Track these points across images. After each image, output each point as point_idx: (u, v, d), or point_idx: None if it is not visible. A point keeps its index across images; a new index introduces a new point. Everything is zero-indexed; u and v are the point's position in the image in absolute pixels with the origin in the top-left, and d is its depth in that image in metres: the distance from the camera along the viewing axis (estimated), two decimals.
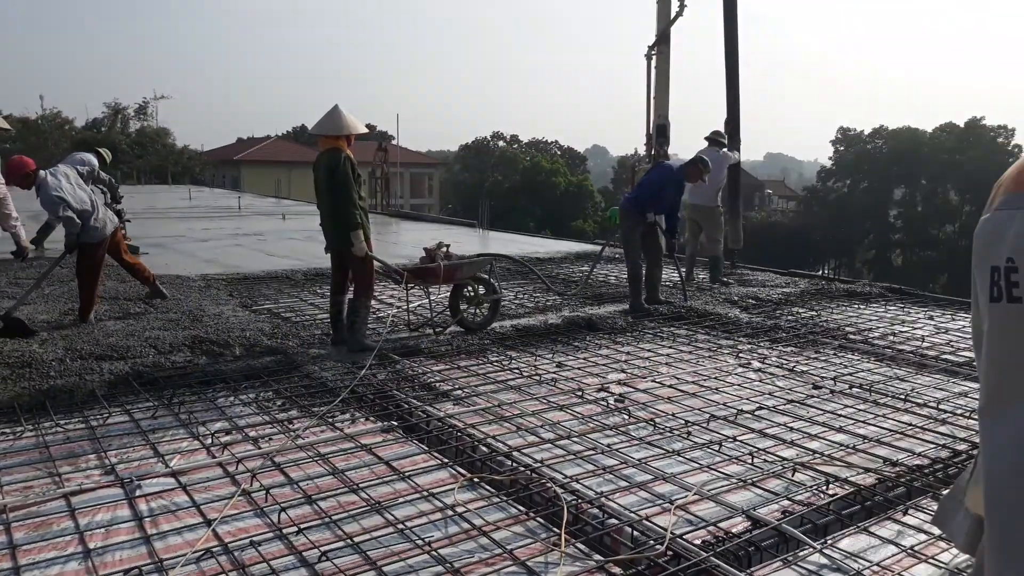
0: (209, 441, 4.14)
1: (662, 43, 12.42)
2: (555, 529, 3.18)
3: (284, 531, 3.14)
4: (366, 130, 6.46)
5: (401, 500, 3.46)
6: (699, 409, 4.79)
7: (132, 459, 3.92)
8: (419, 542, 3.06)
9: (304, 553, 2.98)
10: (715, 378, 5.50)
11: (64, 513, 3.33)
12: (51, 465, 3.82)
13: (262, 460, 3.88)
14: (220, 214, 19.79)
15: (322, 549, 2.96)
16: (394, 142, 44.36)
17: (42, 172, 6.80)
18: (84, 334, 6.28)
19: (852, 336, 6.87)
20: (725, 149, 10.21)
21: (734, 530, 3.19)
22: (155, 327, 6.56)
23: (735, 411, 4.72)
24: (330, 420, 4.52)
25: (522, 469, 3.79)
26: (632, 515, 3.28)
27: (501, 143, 72.31)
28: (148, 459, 3.92)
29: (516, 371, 5.63)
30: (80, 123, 49.24)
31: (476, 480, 3.70)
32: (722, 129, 10.76)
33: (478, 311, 6.97)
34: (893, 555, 3.05)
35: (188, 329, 6.46)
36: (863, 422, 4.58)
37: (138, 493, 3.50)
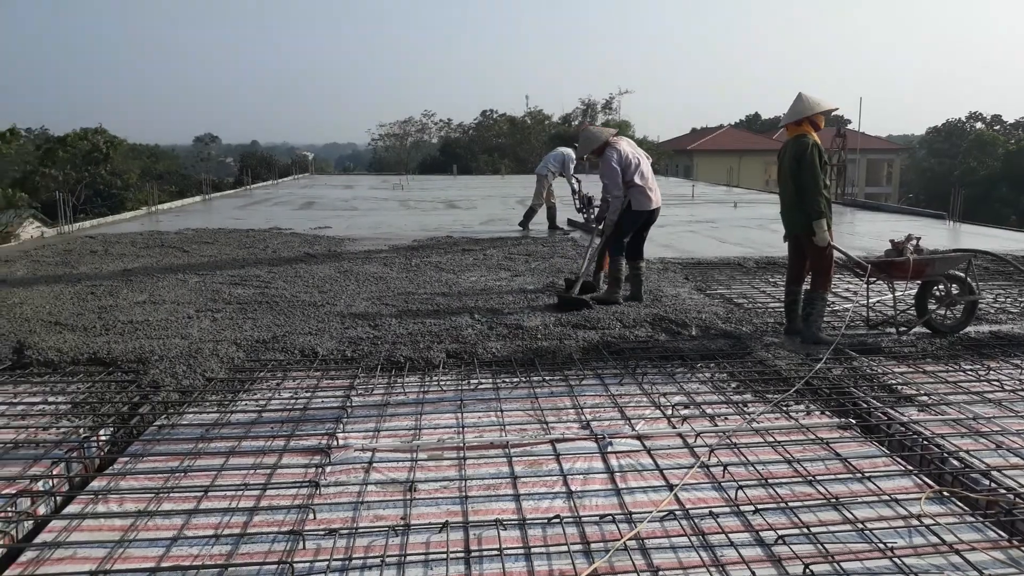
0: (669, 412, 4.47)
1: None
2: None
3: (741, 508, 3.28)
4: (833, 106, 6.09)
5: (859, 500, 3.37)
6: None
7: (603, 418, 4.40)
8: (880, 545, 2.97)
9: (760, 533, 3.08)
10: None
11: (550, 456, 3.88)
12: (540, 413, 4.47)
13: (718, 437, 4.07)
14: (674, 202, 20.61)
15: (779, 532, 3.04)
16: (851, 127, 41.76)
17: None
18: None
19: None
20: None
21: None
22: (621, 303, 7.20)
23: None
24: (784, 409, 4.55)
25: (1003, 491, 3.42)
26: None
27: (979, 124, 63.43)
28: (616, 420, 4.37)
29: (996, 383, 5.03)
30: (556, 119, 54.71)
31: (947, 494, 3.43)
32: None
33: (950, 312, 6.34)
34: None
35: (649, 307, 6.99)
36: None
37: (609, 449, 3.94)
